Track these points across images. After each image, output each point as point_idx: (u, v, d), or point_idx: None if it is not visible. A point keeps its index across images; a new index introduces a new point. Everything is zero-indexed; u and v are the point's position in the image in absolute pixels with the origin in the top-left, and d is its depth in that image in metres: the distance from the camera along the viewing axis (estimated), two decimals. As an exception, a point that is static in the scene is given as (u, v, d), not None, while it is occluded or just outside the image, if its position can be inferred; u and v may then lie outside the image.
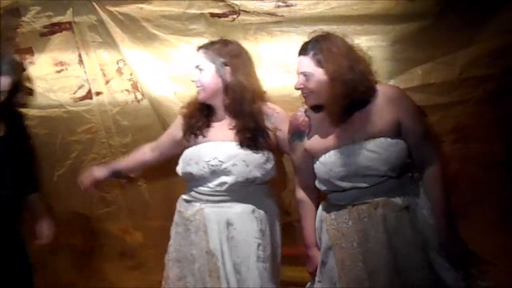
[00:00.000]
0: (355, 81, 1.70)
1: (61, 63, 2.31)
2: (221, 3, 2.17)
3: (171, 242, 1.98)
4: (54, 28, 2.32)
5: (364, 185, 1.72)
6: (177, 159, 2.00)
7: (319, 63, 1.72)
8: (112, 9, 2.26)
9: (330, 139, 1.77)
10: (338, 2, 2.07)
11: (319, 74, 1.72)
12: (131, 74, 2.31)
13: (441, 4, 2.01)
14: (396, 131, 1.73)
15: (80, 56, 2.32)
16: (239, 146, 1.90)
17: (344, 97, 1.71)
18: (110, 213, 2.33)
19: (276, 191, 2.11)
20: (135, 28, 2.26)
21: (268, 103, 1.99)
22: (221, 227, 1.89)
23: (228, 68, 1.91)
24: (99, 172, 2.11)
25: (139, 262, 2.31)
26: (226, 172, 1.89)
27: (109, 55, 2.32)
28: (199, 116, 1.98)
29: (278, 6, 2.13)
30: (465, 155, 2.04)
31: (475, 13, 2.01)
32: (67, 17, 2.31)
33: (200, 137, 1.96)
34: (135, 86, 2.32)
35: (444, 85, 2.03)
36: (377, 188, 1.73)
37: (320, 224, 1.86)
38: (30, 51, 2.35)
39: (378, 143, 1.71)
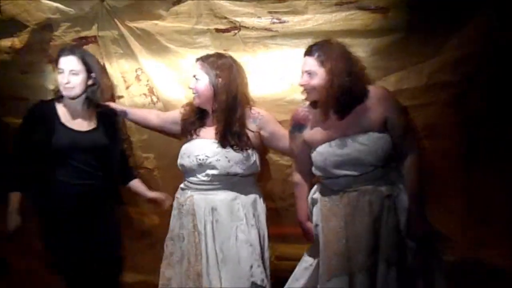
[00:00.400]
0: (351, 81, 1.86)
1: None
2: (224, 20, 2.32)
3: (170, 224, 2.18)
4: (81, 41, 2.46)
5: (355, 173, 1.88)
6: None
7: (322, 64, 1.87)
8: (131, 25, 2.42)
9: (327, 132, 1.92)
10: (324, 19, 2.24)
11: (321, 73, 1.88)
12: (147, 81, 2.48)
13: (411, 21, 2.16)
14: (383, 126, 1.90)
15: (104, 65, 2.47)
16: (221, 145, 2.09)
17: (341, 95, 1.85)
18: (131, 199, 2.47)
19: (262, 182, 2.29)
20: (151, 41, 2.41)
21: (254, 108, 2.18)
22: (207, 211, 2.09)
23: (220, 79, 2.08)
24: (118, 106, 2.38)
25: (156, 240, 2.43)
26: (211, 166, 2.07)
27: (129, 64, 2.48)
28: (194, 118, 2.18)
29: (273, 23, 2.29)
30: (433, 149, 2.18)
31: (440, 28, 2.16)
32: (92, 31, 2.46)
33: (194, 135, 2.16)
34: (151, 91, 2.48)
35: (414, 90, 2.18)
36: (366, 177, 1.89)
37: (312, 203, 2.03)
38: None
39: (368, 136, 1.87)
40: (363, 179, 1.90)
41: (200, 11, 2.35)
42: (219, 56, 2.16)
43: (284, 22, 2.29)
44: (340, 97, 1.87)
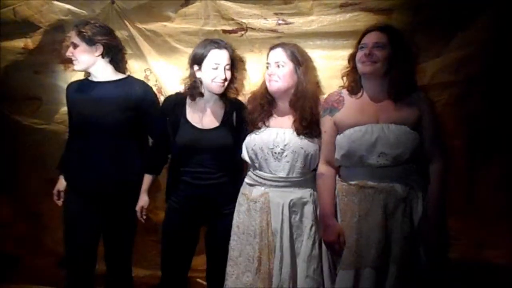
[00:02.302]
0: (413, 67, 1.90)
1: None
2: (231, 22, 2.38)
3: (234, 220, 2.06)
4: (92, 42, 2.55)
5: (375, 163, 1.84)
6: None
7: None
8: (141, 26, 2.48)
9: (358, 117, 1.89)
10: (329, 21, 2.31)
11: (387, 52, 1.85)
12: (156, 81, 2.53)
13: (414, 22, 2.21)
14: (416, 124, 1.86)
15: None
16: (296, 134, 1.97)
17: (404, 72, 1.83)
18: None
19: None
20: (160, 42, 2.47)
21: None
22: (284, 209, 1.97)
23: (302, 67, 2.00)
24: None
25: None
26: (287, 158, 1.97)
27: (138, 64, 2.53)
28: (261, 109, 2.03)
29: (279, 24, 2.35)
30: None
31: (443, 29, 2.22)
32: (103, 32, 2.55)
33: (263, 126, 2.03)
34: (159, 90, 2.50)
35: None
36: (385, 172, 1.85)
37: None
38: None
39: (399, 128, 1.84)
40: (380, 174, 1.87)
41: (207, 13, 2.42)
42: (296, 46, 2.06)
43: (289, 23, 2.35)
44: (403, 74, 1.87)
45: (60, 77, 2.66)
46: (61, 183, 2.32)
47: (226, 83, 2.04)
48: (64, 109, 2.56)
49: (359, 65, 1.90)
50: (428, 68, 2.24)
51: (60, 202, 2.31)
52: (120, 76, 2.27)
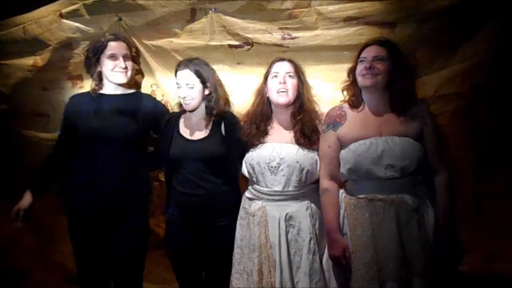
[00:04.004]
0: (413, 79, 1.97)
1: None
2: (237, 37, 2.39)
3: (236, 234, 2.11)
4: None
5: (383, 175, 1.85)
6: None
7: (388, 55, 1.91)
8: (148, 42, 2.51)
9: (362, 131, 1.91)
10: (333, 35, 2.30)
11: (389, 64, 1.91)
12: (162, 95, 2.54)
13: (417, 35, 2.22)
14: (419, 136, 1.89)
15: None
16: (297, 147, 2.02)
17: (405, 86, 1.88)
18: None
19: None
20: (166, 57, 2.48)
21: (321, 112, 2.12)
22: (280, 223, 2.00)
23: (303, 80, 2.11)
24: None
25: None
26: (284, 171, 2.00)
27: (145, 79, 2.55)
28: (257, 128, 2.09)
29: (284, 39, 2.36)
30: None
31: (447, 42, 2.21)
32: (110, 49, 2.55)
33: (259, 143, 2.08)
34: (165, 105, 2.48)
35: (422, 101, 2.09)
36: (392, 184, 1.86)
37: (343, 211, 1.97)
38: (80, 78, 2.63)
39: (403, 140, 1.87)
40: (389, 186, 1.87)
41: (213, 28, 2.44)
42: (292, 62, 2.15)
43: (294, 37, 2.36)
44: (404, 87, 1.90)
45: (68, 94, 2.64)
46: (26, 201, 2.24)
47: (191, 100, 2.14)
48: None
49: (359, 78, 1.93)
50: (433, 80, 2.22)
51: (18, 224, 2.23)
52: (129, 90, 2.32)
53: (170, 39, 2.50)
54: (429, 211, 1.89)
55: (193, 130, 2.18)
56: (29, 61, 2.64)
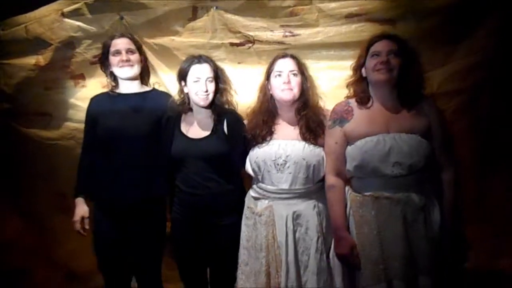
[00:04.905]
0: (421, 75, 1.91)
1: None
2: (238, 35, 2.41)
3: (242, 234, 2.07)
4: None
5: (390, 173, 1.83)
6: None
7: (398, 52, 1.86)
8: (149, 41, 2.51)
9: (369, 127, 1.88)
10: (335, 32, 2.33)
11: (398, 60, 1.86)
12: None
13: (418, 31, 2.22)
14: (426, 133, 1.87)
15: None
16: (303, 144, 1.98)
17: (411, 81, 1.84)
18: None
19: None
20: (168, 56, 2.49)
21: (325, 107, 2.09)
22: (288, 222, 1.96)
23: (307, 76, 2.05)
24: None
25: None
26: (291, 168, 1.97)
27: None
28: (265, 123, 2.05)
29: (286, 36, 2.37)
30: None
31: (448, 38, 2.23)
32: (112, 48, 2.58)
33: (266, 138, 2.04)
34: None
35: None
36: (399, 182, 1.83)
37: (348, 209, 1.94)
38: (82, 77, 2.64)
39: (410, 137, 1.84)
40: (396, 184, 1.85)
41: (214, 26, 2.45)
42: (298, 59, 2.10)
43: (296, 35, 2.37)
44: (411, 83, 1.87)
45: (70, 93, 2.70)
46: (84, 210, 2.27)
47: (209, 95, 2.09)
48: (74, 124, 2.66)
49: (373, 73, 1.89)
50: (435, 77, 2.23)
51: (83, 232, 2.27)
52: (145, 88, 2.32)
53: (172, 38, 2.51)
54: (436, 209, 1.87)
55: (195, 129, 2.15)
56: (31, 60, 2.64)
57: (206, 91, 2.08)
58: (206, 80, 2.08)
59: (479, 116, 2.22)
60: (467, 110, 2.22)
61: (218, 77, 2.13)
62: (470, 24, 2.18)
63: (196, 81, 2.09)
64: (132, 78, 2.26)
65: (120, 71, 2.25)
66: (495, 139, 2.21)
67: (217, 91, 2.12)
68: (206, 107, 2.13)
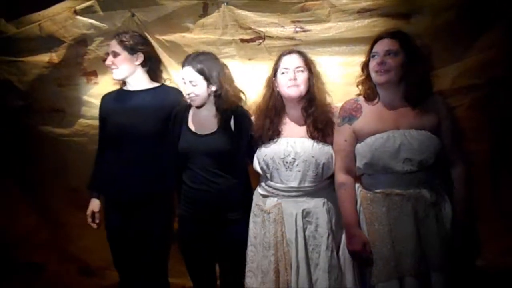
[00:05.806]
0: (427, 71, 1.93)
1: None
2: (249, 31, 2.39)
3: (250, 232, 2.08)
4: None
5: (400, 170, 1.83)
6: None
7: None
8: (160, 37, 2.50)
9: (378, 124, 1.88)
10: (347, 27, 2.28)
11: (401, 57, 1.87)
12: None
13: (433, 26, 2.18)
14: (436, 129, 1.86)
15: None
16: (311, 141, 1.98)
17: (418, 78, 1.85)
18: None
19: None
20: (179, 52, 2.46)
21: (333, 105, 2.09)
22: (298, 219, 1.96)
23: (314, 72, 2.04)
24: None
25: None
26: (300, 166, 1.96)
27: None
28: (271, 121, 2.04)
29: (297, 32, 2.34)
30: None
31: (463, 33, 2.18)
32: (124, 45, 2.57)
33: (275, 135, 2.03)
34: None
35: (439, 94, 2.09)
36: (410, 178, 1.83)
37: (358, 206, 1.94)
38: (94, 74, 2.67)
39: (420, 133, 1.84)
40: (407, 180, 1.85)
41: (225, 23, 2.44)
42: (298, 50, 2.11)
43: (307, 30, 2.34)
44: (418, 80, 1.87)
45: (83, 90, 2.72)
46: (95, 204, 2.32)
47: (195, 96, 2.08)
48: (87, 121, 2.69)
49: (373, 75, 1.91)
50: (449, 72, 2.19)
51: (94, 225, 2.32)
52: (154, 84, 2.33)
53: (183, 34, 2.50)
54: (447, 205, 1.86)
55: (202, 125, 2.15)
56: (44, 58, 2.67)
57: (189, 94, 2.09)
58: (189, 83, 2.08)
59: (494, 112, 2.17)
60: (482, 106, 2.17)
61: (208, 79, 2.10)
62: (485, 19, 2.14)
63: (184, 83, 2.10)
64: (122, 80, 2.29)
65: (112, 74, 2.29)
66: (510, 135, 2.17)
67: (214, 91, 2.11)
68: (200, 107, 2.13)
